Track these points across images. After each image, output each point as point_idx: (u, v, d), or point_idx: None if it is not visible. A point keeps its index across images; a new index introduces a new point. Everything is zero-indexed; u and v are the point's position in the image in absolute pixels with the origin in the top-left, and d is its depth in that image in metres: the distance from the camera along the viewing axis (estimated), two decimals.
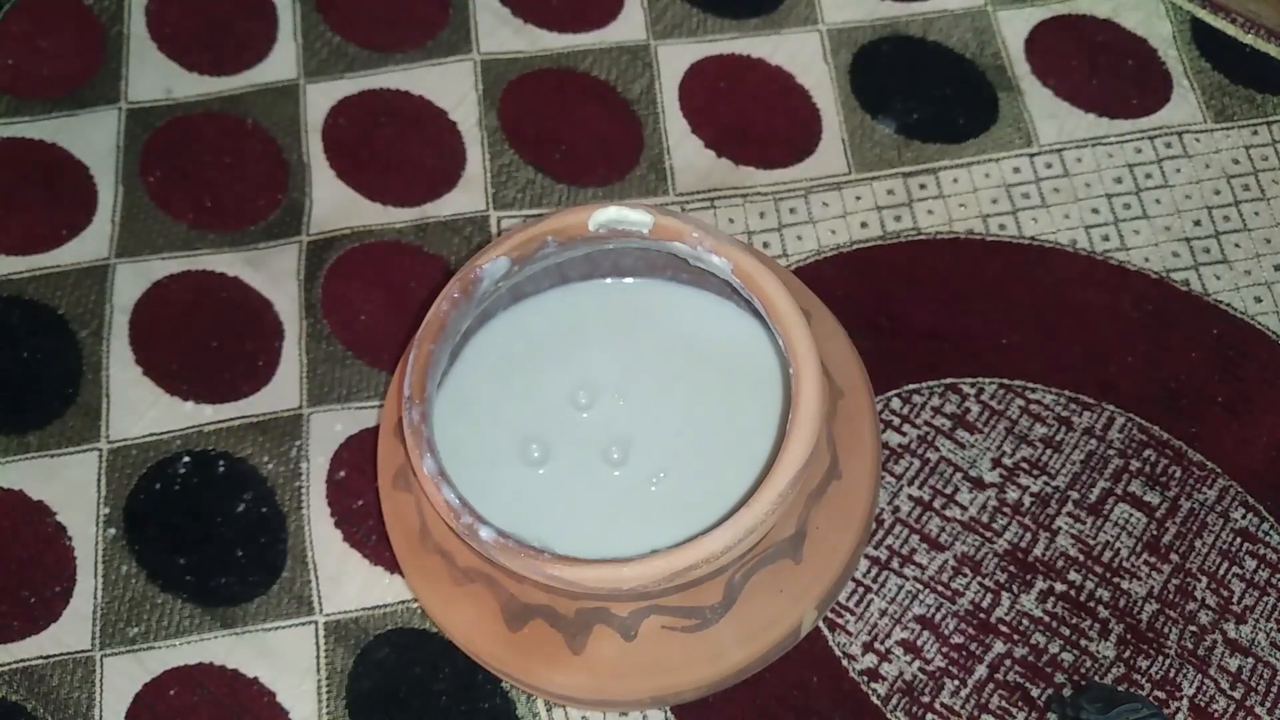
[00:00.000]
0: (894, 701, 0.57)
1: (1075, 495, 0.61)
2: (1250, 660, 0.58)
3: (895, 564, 0.60)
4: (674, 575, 0.43)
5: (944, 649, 0.58)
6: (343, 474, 0.63)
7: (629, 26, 0.75)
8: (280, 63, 0.74)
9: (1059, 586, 0.59)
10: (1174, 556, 0.60)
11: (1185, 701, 0.57)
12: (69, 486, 0.63)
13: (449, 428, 0.52)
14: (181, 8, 0.76)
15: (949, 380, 0.64)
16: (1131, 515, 0.61)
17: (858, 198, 0.69)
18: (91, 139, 0.72)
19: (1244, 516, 0.60)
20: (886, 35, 0.74)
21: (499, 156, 0.71)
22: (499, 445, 0.53)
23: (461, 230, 0.69)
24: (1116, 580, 0.59)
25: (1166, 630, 0.58)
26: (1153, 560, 0.60)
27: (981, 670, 0.58)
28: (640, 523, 0.51)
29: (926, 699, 0.57)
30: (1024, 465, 0.62)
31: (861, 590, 0.60)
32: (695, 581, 0.45)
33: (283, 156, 0.72)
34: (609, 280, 0.56)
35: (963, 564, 0.60)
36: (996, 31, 0.74)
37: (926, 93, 0.72)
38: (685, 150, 0.71)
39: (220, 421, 0.64)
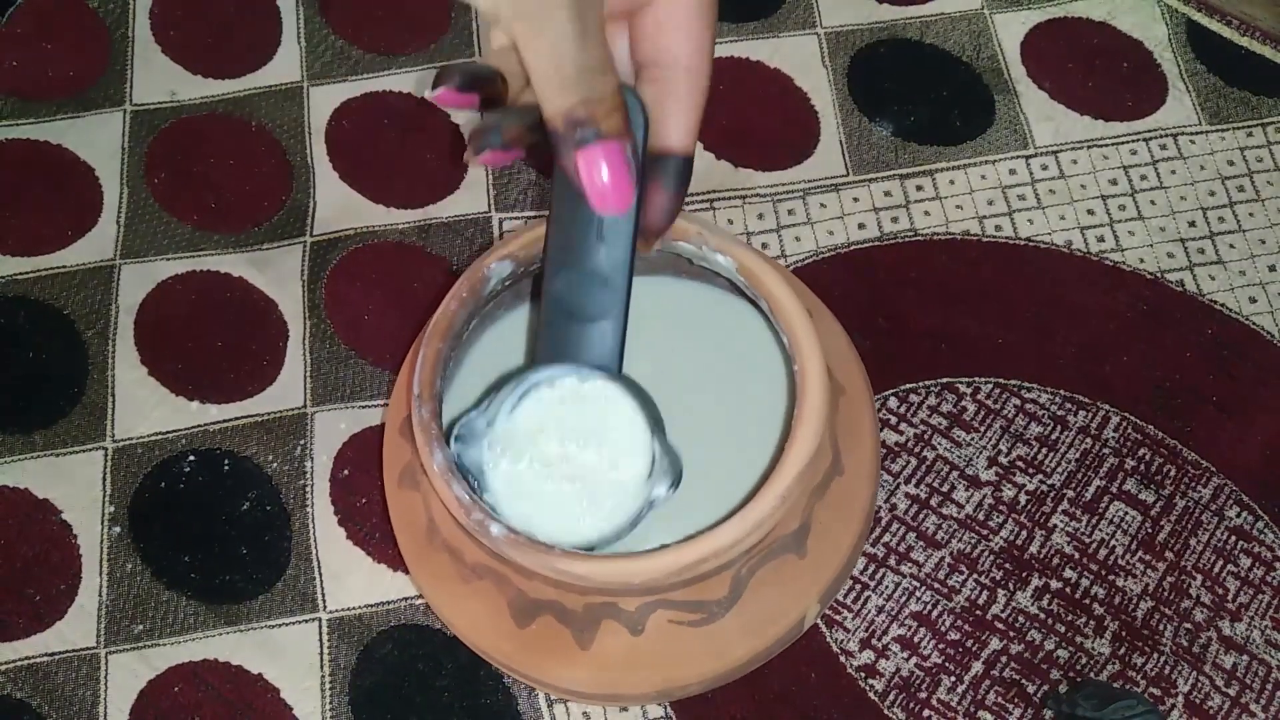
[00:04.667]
0: (891, 698, 0.58)
1: (1070, 493, 0.62)
2: (1245, 658, 0.58)
3: (892, 561, 0.61)
4: (682, 569, 0.43)
5: (941, 645, 0.59)
6: (346, 472, 0.63)
7: None
8: (284, 65, 0.75)
9: (1055, 584, 0.60)
10: (1169, 554, 0.60)
11: (1180, 698, 0.57)
12: (74, 485, 0.64)
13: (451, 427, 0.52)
14: (186, 11, 0.77)
15: (945, 380, 0.65)
16: (1126, 513, 0.61)
17: (855, 199, 0.69)
18: (97, 141, 0.73)
19: (1238, 515, 0.61)
20: (884, 38, 0.74)
21: None
22: None
23: (464, 232, 0.69)
24: (1112, 578, 0.60)
25: (1162, 627, 0.59)
26: (1148, 558, 0.60)
27: (978, 667, 0.58)
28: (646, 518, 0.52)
29: (923, 695, 0.58)
30: (1020, 464, 0.62)
31: (859, 587, 0.60)
32: (703, 576, 0.45)
33: (287, 158, 0.72)
34: None
35: (959, 561, 0.60)
36: (993, 34, 0.74)
37: (924, 95, 0.72)
38: None
39: (225, 421, 0.65)
